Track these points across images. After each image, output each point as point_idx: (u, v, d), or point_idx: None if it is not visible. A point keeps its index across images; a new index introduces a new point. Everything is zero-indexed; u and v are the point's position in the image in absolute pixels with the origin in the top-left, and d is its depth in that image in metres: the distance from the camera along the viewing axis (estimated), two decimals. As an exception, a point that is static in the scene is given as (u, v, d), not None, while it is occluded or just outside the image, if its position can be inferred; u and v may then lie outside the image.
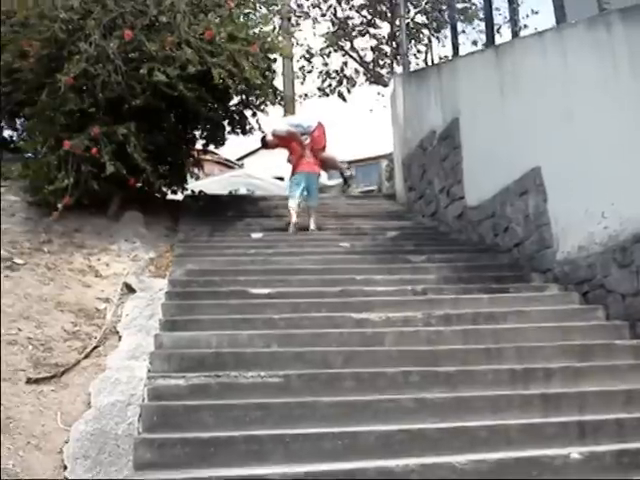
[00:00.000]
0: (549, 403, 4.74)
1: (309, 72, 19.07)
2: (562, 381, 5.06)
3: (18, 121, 10.80)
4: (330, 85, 19.16)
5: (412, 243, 8.87)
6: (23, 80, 8.50)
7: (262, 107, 10.01)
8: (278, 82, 11.43)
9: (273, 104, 10.12)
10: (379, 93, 18.34)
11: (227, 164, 27.71)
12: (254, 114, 10.21)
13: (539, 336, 5.76)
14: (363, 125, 24.68)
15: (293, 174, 9.76)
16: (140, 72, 8.14)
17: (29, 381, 4.98)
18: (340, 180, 15.60)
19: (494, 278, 7.19)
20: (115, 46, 8.11)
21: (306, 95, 19.25)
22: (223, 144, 10.73)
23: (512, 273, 7.48)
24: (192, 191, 11.01)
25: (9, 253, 7.07)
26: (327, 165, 10.60)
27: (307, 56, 18.86)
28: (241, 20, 9.26)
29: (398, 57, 17.11)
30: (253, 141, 11.14)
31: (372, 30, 18.83)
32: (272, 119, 10.62)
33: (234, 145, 13.77)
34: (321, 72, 19.05)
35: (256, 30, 9.44)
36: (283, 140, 9.94)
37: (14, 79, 8.57)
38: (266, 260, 7.87)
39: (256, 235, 9.18)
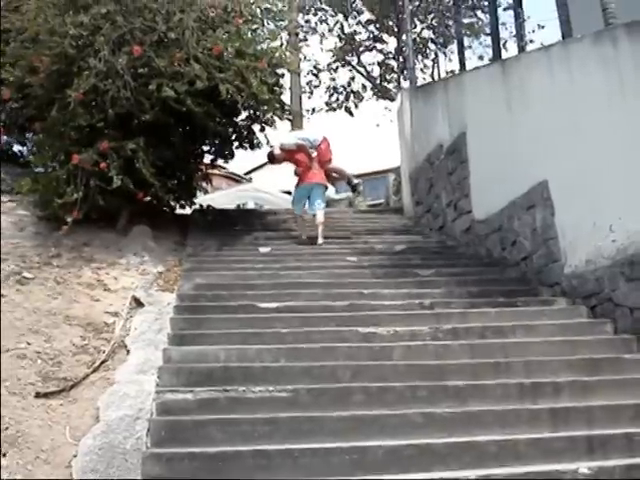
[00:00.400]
0: (557, 418, 4.73)
1: (316, 87, 19.18)
2: (570, 395, 5.05)
3: (28, 136, 10.92)
4: (337, 100, 19.25)
5: (419, 257, 8.88)
6: (33, 95, 8.56)
7: (270, 122, 10.05)
8: (285, 97, 11.50)
9: (281, 119, 10.16)
10: (386, 107, 18.44)
11: (235, 178, 27.77)
12: (262, 129, 10.24)
13: (547, 350, 5.75)
14: (370, 139, 24.72)
15: (299, 185, 9.97)
16: (149, 88, 8.19)
17: (38, 395, 4.99)
18: (347, 194, 15.62)
19: (502, 292, 7.19)
20: (124, 62, 8.16)
21: (314, 110, 19.35)
22: (231, 159, 10.78)
23: (520, 287, 7.48)
24: (200, 205, 11.06)
25: (19, 267, 7.11)
26: (334, 176, 10.74)
27: (314, 71, 18.96)
28: (249, 36, 9.31)
29: (405, 72, 17.17)
30: (261, 155, 11.21)
31: (379, 45, 18.94)
32: (280, 133, 10.67)
33: (242, 159, 13.83)
34: (329, 87, 19.16)
35: (264, 45, 9.50)
36: (290, 153, 10.02)
37: (24, 95, 8.64)
38: (274, 274, 7.88)
39: (264, 249, 9.18)
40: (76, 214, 7.95)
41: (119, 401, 4.86)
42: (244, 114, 9.90)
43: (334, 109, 19.27)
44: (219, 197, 19.13)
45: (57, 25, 8.27)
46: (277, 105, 9.63)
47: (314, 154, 9.86)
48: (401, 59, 18.20)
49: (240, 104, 8.92)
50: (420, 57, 18.59)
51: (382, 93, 18.74)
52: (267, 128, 10.17)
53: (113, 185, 7.97)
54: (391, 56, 18.89)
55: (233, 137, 10.25)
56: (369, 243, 9.80)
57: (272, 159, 10.35)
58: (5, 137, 11.08)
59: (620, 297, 6.11)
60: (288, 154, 10.05)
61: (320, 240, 9.55)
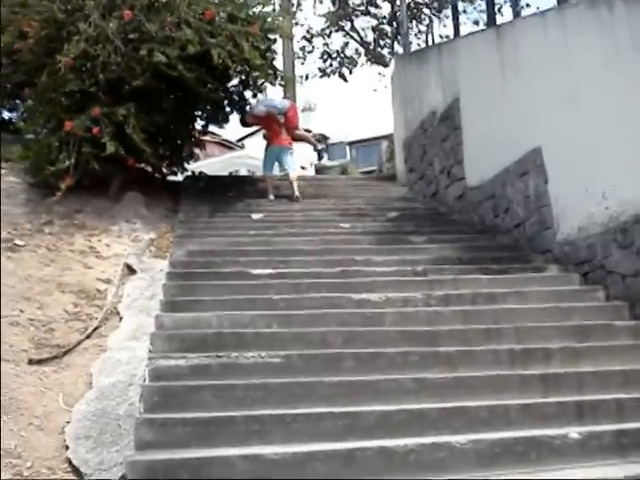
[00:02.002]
0: (548, 383, 4.76)
1: (310, 52, 19.01)
2: (561, 361, 5.08)
3: (18, 102, 10.81)
4: (331, 65, 19.11)
5: (412, 224, 8.89)
6: (22, 61, 8.48)
7: (262, 87, 10.03)
8: (278, 62, 11.48)
9: (273, 85, 10.14)
10: (380, 73, 18.31)
11: (227, 145, 27.67)
12: (254, 95, 10.21)
13: (538, 317, 5.78)
14: (363, 106, 24.66)
15: (267, 148, 10.69)
16: (140, 53, 8.12)
17: (31, 362, 5.01)
18: (340, 161, 15.90)
19: (494, 259, 7.21)
20: (114, 26, 8.08)
21: (307, 76, 19.20)
22: (225, 124, 10.74)
23: (512, 254, 7.50)
24: (192, 172, 11.02)
25: (10, 235, 7.08)
26: (300, 140, 11.29)
27: (308, 36, 18.78)
28: (240, 0, 9.19)
29: (399, 37, 17.04)
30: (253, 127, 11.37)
31: (373, 10, 18.75)
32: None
33: (235, 126, 13.85)
34: (323, 53, 19.00)
35: (256, 10, 9.39)
36: (260, 119, 10.62)
37: (13, 60, 8.54)
38: (267, 241, 7.89)
39: (257, 216, 9.18)
40: (68, 181, 7.91)
41: (112, 367, 4.89)
42: (236, 80, 9.84)
43: (328, 75, 19.15)
44: (211, 164, 19.08)
45: (46, -12, 8.16)
46: (269, 71, 9.58)
47: (282, 120, 10.44)
48: (395, 24, 18.04)
49: (232, 69, 8.85)
50: (414, 22, 18.41)
51: (376, 58, 18.60)
52: (259, 94, 10.16)
53: (106, 152, 7.92)
54: (385, 21, 18.71)
55: (225, 103, 10.18)
56: (362, 210, 9.80)
57: (244, 123, 10.92)
58: (-6, 103, 10.98)
59: (612, 264, 6.13)
60: (258, 119, 10.67)
61: (297, 193, 10.13)
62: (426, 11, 18.63)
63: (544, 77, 7.24)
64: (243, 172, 19.31)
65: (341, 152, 25.74)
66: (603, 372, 4.92)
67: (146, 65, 8.16)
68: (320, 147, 11.63)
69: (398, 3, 17.04)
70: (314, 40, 18.94)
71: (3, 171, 8.66)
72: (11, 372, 4.83)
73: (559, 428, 4.19)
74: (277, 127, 10.49)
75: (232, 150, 27.66)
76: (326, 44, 19.03)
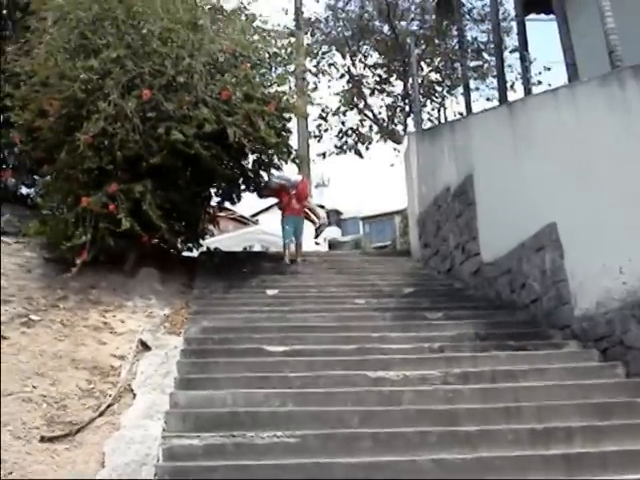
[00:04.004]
0: (571, 463, 4.64)
1: (325, 131, 19.33)
2: (583, 441, 4.95)
3: (36, 178, 10.99)
4: (346, 143, 19.41)
5: (428, 300, 8.81)
6: (42, 138, 8.64)
7: (277, 166, 10.22)
8: (293, 140, 11.69)
9: (286, 162, 10.31)
10: (395, 149, 18.53)
11: (242, 220, 27.83)
12: (268, 172, 10.38)
13: (559, 394, 5.66)
14: (377, 181, 24.92)
15: (284, 216, 11.20)
16: (157, 131, 8.27)
17: (43, 439, 4.94)
18: (353, 236, 16.10)
19: (512, 335, 7.10)
20: (133, 105, 8.24)
21: (325, 154, 19.48)
22: (238, 201, 10.86)
23: (530, 330, 7.40)
24: (207, 248, 11.08)
25: (25, 309, 7.09)
26: (308, 213, 11.74)
27: (323, 115, 19.11)
28: (257, 80, 9.39)
29: (412, 114, 17.32)
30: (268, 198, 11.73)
31: (386, 87, 19.13)
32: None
33: (249, 201, 14.11)
34: (340, 130, 19.33)
35: (271, 90, 9.59)
36: (274, 191, 11.15)
37: (33, 137, 8.71)
38: (282, 317, 7.83)
39: (271, 292, 9.16)
40: (84, 256, 7.95)
41: (125, 446, 4.80)
42: (251, 157, 9.98)
43: (345, 152, 19.45)
44: (226, 239, 19.16)
45: (67, 69, 8.38)
46: (284, 149, 9.72)
47: (293, 192, 11.04)
48: (408, 102, 18.37)
49: (247, 148, 8.97)
50: (428, 99, 18.74)
51: (389, 136, 18.88)
52: (274, 170, 10.36)
53: (122, 227, 7.99)
54: (399, 98, 19.07)
55: (240, 180, 10.31)
56: (376, 285, 9.75)
57: (260, 194, 11.37)
58: (13, 179, 11.15)
59: (631, 339, 6.03)
60: (272, 191, 11.22)
61: (299, 258, 11.07)
62: (439, 88, 18.98)
63: (557, 153, 7.29)
64: (257, 248, 19.35)
65: (355, 227, 25.79)
66: (627, 451, 4.79)
67: (163, 143, 8.31)
68: (319, 224, 11.92)
69: (411, 81, 17.35)
70: (330, 118, 19.28)
71: (20, 246, 8.74)
72: (23, 449, 4.76)
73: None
74: (289, 199, 11.05)
75: (246, 225, 27.82)
76: (342, 122, 19.38)
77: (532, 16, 11.64)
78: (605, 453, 4.77)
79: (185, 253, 10.58)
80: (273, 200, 12.39)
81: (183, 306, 8.19)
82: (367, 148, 19.36)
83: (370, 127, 19.39)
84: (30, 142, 8.86)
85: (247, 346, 6.73)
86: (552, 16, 10.09)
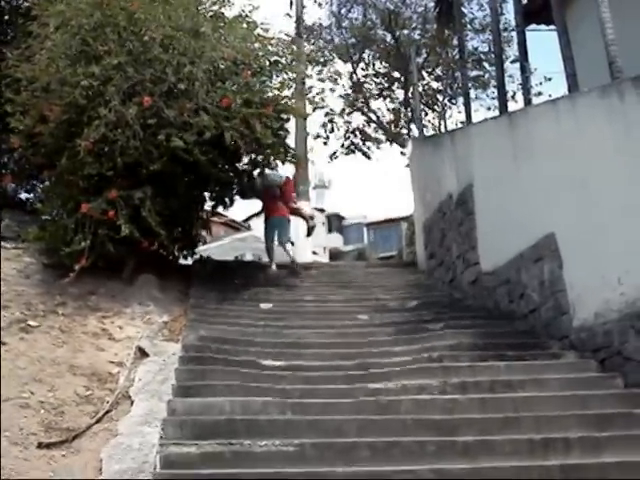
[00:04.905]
0: (569, 474, 4.63)
1: (332, 131, 19.38)
2: (581, 452, 4.94)
3: (35, 184, 11.00)
4: (352, 143, 19.46)
5: (431, 312, 8.71)
6: (43, 144, 8.65)
7: (272, 166, 10.25)
8: (290, 140, 11.65)
9: (283, 163, 10.29)
10: (402, 152, 18.52)
11: (233, 225, 27.57)
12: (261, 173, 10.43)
13: (557, 405, 5.65)
14: (382, 184, 24.93)
15: (267, 219, 11.12)
16: (158, 138, 8.27)
17: (40, 446, 4.93)
18: (356, 246, 16.09)
19: (510, 345, 7.10)
20: (134, 112, 8.25)
21: (334, 154, 19.54)
22: (231, 205, 10.82)
23: (528, 340, 7.39)
24: (200, 256, 11.00)
25: (24, 315, 7.08)
26: (294, 213, 11.65)
27: (329, 118, 19.15)
28: (257, 87, 9.40)
29: (413, 121, 17.38)
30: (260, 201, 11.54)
31: (389, 94, 19.23)
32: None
33: (240, 205, 14.04)
34: (347, 130, 19.39)
35: (270, 94, 9.59)
36: (258, 192, 10.96)
37: (34, 143, 8.71)
38: (277, 333, 7.71)
39: (265, 306, 9.01)
40: (83, 262, 7.95)
41: (122, 453, 4.78)
42: (246, 159, 9.97)
43: (353, 152, 19.48)
44: (216, 247, 18.92)
45: (68, 75, 8.40)
46: (281, 149, 9.72)
47: (278, 193, 10.91)
48: (409, 109, 18.43)
49: (243, 149, 8.97)
50: (428, 108, 18.80)
51: (394, 138, 18.92)
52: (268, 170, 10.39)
53: (121, 234, 7.99)
54: (401, 105, 19.14)
55: (234, 183, 10.30)
56: (381, 300, 9.65)
57: (243, 195, 11.06)
58: (13, 184, 11.16)
59: (630, 350, 6.02)
60: (256, 193, 11.01)
61: (296, 260, 11.13)
62: (440, 97, 19.05)
63: (556, 163, 7.30)
64: (248, 257, 19.12)
65: (358, 234, 25.19)
66: (625, 463, 4.77)
67: (164, 150, 8.31)
68: (312, 224, 11.92)
69: (412, 90, 17.41)
70: (335, 119, 19.34)
71: (19, 251, 8.73)
72: (20, 456, 4.75)
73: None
74: (274, 200, 10.91)
75: (238, 230, 27.52)
76: (348, 122, 19.44)
77: (533, 27, 11.71)
78: (603, 464, 4.75)
79: (181, 261, 10.55)
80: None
81: (181, 313, 8.18)
82: (378, 147, 19.43)
83: (375, 129, 19.47)
84: (30, 148, 8.87)
85: (243, 358, 6.66)
86: (552, 27, 10.15)
